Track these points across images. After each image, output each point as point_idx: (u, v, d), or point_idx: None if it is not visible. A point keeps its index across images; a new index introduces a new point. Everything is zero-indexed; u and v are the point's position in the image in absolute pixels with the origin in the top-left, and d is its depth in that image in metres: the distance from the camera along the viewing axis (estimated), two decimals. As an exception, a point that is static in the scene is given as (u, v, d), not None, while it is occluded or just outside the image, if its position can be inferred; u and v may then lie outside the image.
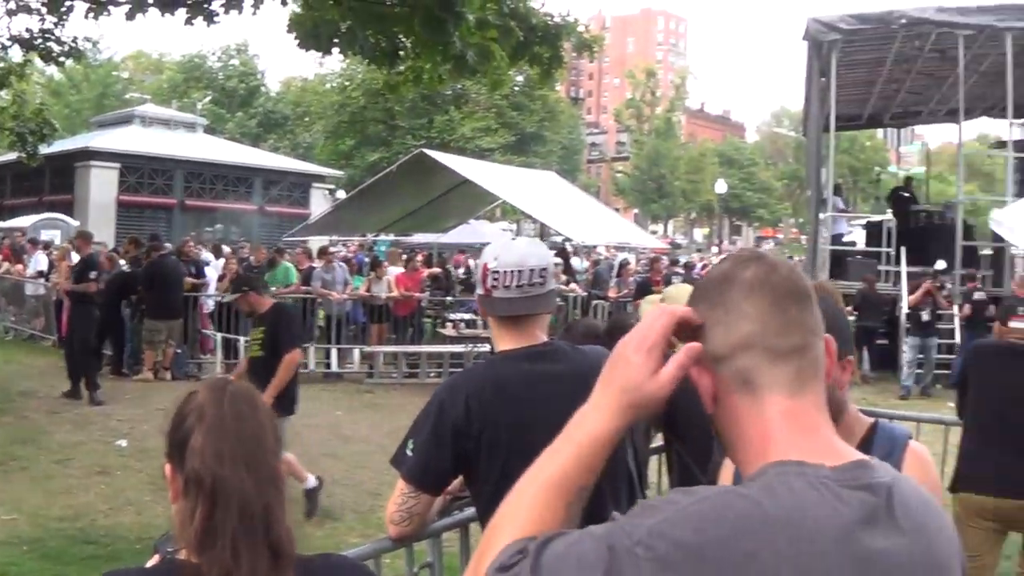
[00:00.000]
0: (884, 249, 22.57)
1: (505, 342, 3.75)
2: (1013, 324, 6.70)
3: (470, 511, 4.25)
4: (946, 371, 18.56)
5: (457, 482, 3.97)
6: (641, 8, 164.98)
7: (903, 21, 21.76)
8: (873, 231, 24.90)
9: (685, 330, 1.66)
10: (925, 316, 18.44)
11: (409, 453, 3.65)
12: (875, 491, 1.52)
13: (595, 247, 33.33)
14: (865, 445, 2.76)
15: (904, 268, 21.34)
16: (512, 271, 3.64)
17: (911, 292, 18.93)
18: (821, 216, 23.84)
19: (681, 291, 5.81)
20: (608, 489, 3.44)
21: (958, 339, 19.54)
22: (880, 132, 76.21)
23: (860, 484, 1.51)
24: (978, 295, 18.85)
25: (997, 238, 20.36)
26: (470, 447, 3.60)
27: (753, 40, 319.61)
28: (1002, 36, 21.58)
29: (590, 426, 1.64)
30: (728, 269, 1.70)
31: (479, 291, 3.78)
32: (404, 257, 24.63)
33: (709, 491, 1.50)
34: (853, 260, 23.00)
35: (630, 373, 1.62)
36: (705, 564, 1.39)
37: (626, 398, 1.62)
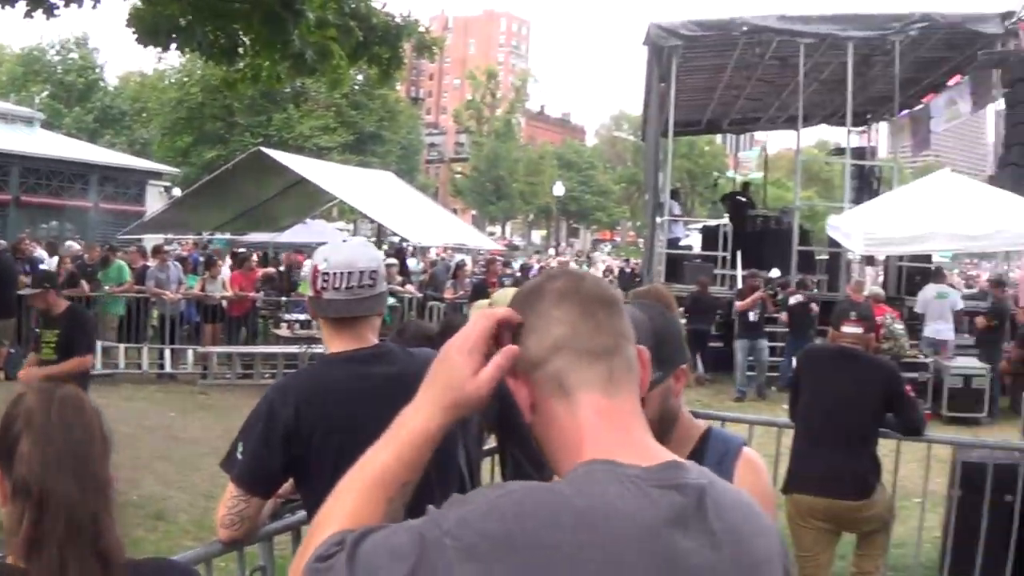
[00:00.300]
0: (720, 253, 22.96)
1: (336, 344, 3.79)
2: (845, 329, 6.90)
3: (301, 514, 4.23)
4: (776, 373, 18.92)
5: (288, 484, 3.93)
6: (484, 9, 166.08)
7: (745, 29, 22.11)
8: (709, 235, 25.40)
9: (505, 333, 1.71)
10: (752, 317, 18.57)
11: (239, 456, 3.63)
12: (685, 492, 1.55)
13: (432, 248, 33.33)
14: (698, 451, 2.76)
15: (740, 272, 21.66)
16: (342, 273, 3.68)
17: (744, 294, 19.08)
18: (658, 220, 24.17)
19: (508, 295, 5.75)
20: (439, 492, 3.31)
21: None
22: (719, 137, 77.76)
23: (670, 484, 1.55)
24: (794, 299, 19.08)
25: (833, 243, 20.74)
26: (300, 450, 3.60)
27: (595, 44, 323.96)
28: (843, 45, 22.10)
29: (412, 424, 1.70)
30: (539, 282, 1.78)
31: (309, 292, 3.83)
32: (238, 256, 24.33)
33: (518, 485, 1.55)
34: (689, 263, 23.31)
35: (452, 373, 1.68)
36: (510, 554, 1.42)
37: (447, 397, 1.69)
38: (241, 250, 27.91)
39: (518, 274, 30.35)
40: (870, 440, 6.65)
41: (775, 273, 20.36)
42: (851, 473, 6.47)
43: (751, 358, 18.85)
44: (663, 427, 2.56)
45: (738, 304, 18.91)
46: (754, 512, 1.69)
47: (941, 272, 22.33)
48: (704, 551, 1.52)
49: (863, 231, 16.52)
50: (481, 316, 1.72)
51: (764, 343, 18.86)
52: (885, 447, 6.96)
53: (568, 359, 1.66)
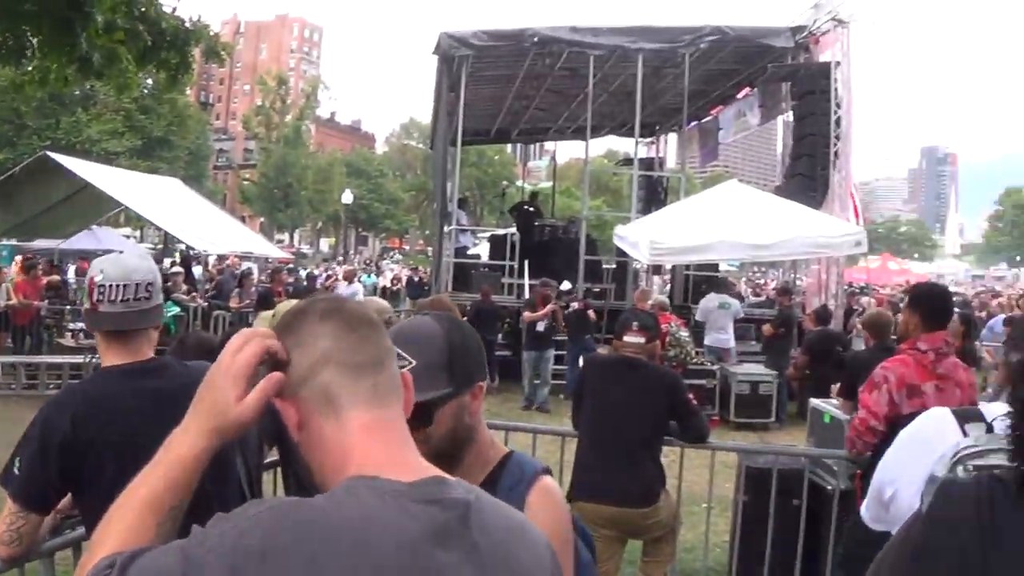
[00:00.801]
0: (508, 262, 22.94)
1: (111, 357, 3.71)
2: (627, 338, 6.94)
3: (81, 530, 4.10)
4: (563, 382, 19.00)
5: (67, 500, 3.83)
6: (276, 14, 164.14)
7: (535, 39, 22.16)
8: (497, 244, 25.38)
9: (271, 359, 1.74)
10: (540, 327, 18.56)
11: (16, 472, 3.51)
12: (448, 507, 1.60)
13: (214, 256, 32.73)
14: (494, 476, 2.65)
15: (527, 281, 21.75)
16: (118, 285, 3.63)
17: (535, 305, 19.01)
18: (446, 229, 24.16)
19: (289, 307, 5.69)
20: (217, 506, 3.19)
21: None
22: (510, 146, 78.27)
23: (432, 499, 1.60)
24: (575, 305, 19.22)
25: (621, 253, 20.97)
26: (76, 464, 3.49)
27: (387, 52, 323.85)
28: (633, 57, 22.35)
29: (179, 448, 1.72)
30: (303, 305, 1.82)
31: (86, 305, 3.74)
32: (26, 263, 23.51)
33: (279, 500, 1.57)
34: (477, 272, 23.27)
35: (217, 398, 1.71)
36: (269, 568, 1.44)
37: (212, 423, 1.71)
38: (30, 257, 26.91)
39: (304, 283, 30.02)
40: (653, 448, 6.70)
41: (566, 285, 20.46)
42: (635, 481, 6.51)
43: (538, 368, 18.79)
44: (455, 446, 2.50)
45: (526, 315, 18.80)
46: (523, 529, 1.76)
47: (724, 282, 22.86)
48: (465, 566, 1.56)
49: (649, 241, 16.77)
50: (246, 340, 1.74)
51: (551, 353, 18.81)
52: (671, 454, 7.05)
53: (334, 372, 1.71)
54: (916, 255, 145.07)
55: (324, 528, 1.49)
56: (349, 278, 31.19)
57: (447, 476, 1.69)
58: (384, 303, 7.57)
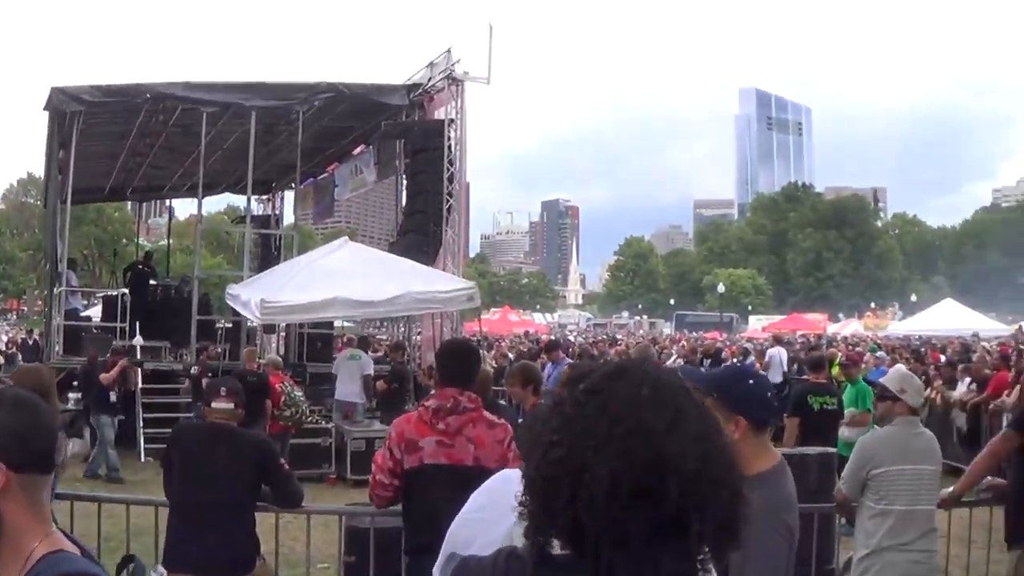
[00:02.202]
0: (119, 324, 22.23)
1: None
2: (215, 405, 6.86)
3: None
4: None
5: None
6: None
7: (148, 96, 21.68)
8: (109, 306, 24.67)
9: None
10: (113, 396, 17.74)
11: None
12: None
13: None
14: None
15: (140, 342, 21.19)
16: None
17: (108, 367, 18.13)
18: (56, 290, 23.20)
19: None
20: None
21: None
22: (129, 204, 76.36)
23: None
24: (194, 369, 18.88)
25: (236, 311, 20.69)
26: None
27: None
28: (247, 114, 22.17)
29: None
30: None
31: None
32: None
33: None
34: (88, 335, 22.55)
35: None
36: None
37: None
38: None
39: None
40: (246, 514, 6.64)
41: (137, 340, 19.91)
42: (227, 549, 6.42)
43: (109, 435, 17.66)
44: None
45: (104, 376, 17.70)
46: None
47: (364, 339, 22.96)
48: None
49: (260, 300, 16.61)
50: None
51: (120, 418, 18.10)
52: (267, 520, 6.99)
53: None
54: (538, 306, 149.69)
55: None
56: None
57: None
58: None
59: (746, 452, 3.72)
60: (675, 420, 1.82)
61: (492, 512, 3.05)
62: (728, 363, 27.23)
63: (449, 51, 22.89)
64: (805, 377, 15.41)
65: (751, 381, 4.41)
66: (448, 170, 22.31)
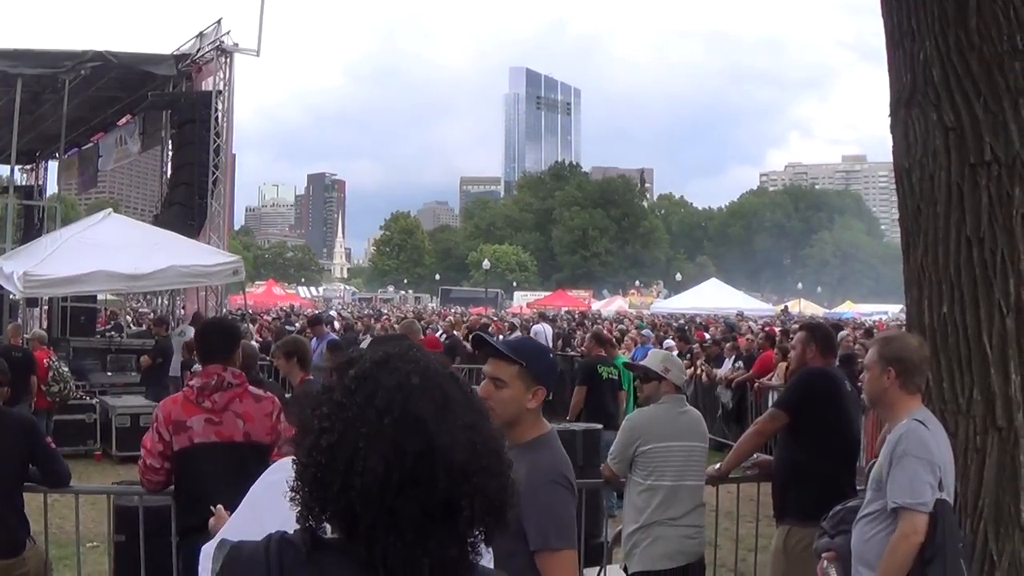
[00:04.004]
0: None
1: None
2: None
3: None
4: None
5: None
6: None
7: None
8: None
9: None
10: None
11: None
12: None
13: None
14: None
15: None
16: None
17: None
18: None
19: None
20: None
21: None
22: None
23: None
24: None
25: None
26: None
27: None
28: (12, 81, 21.30)
29: None
30: None
31: None
32: None
33: None
34: None
35: None
36: None
37: None
38: None
39: None
40: (14, 496, 6.41)
41: None
42: None
43: None
44: None
45: None
46: None
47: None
48: None
49: (23, 272, 16.11)
50: None
51: None
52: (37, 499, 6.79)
53: None
54: (303, 280, 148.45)
55: None
56: None
57: None
58: None
59: (532, 419, 4.01)
60: (444, 409, 1.88)
61: (270, 499, 3.04)
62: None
63: (219, 22, 22.61)
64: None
65: (551, 355, 4.76)
66: (215, 142, 22.02)
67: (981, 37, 5.13)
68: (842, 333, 19.87)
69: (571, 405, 13.34)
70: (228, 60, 22.58)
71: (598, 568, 7.52)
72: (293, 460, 1.94)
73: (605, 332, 17.80)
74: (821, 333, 7.77)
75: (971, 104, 5.15)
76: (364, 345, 16.06)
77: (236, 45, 22.46)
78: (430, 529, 1.83)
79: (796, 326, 18.89)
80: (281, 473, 3.11)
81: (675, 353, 16.83)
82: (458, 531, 1.87)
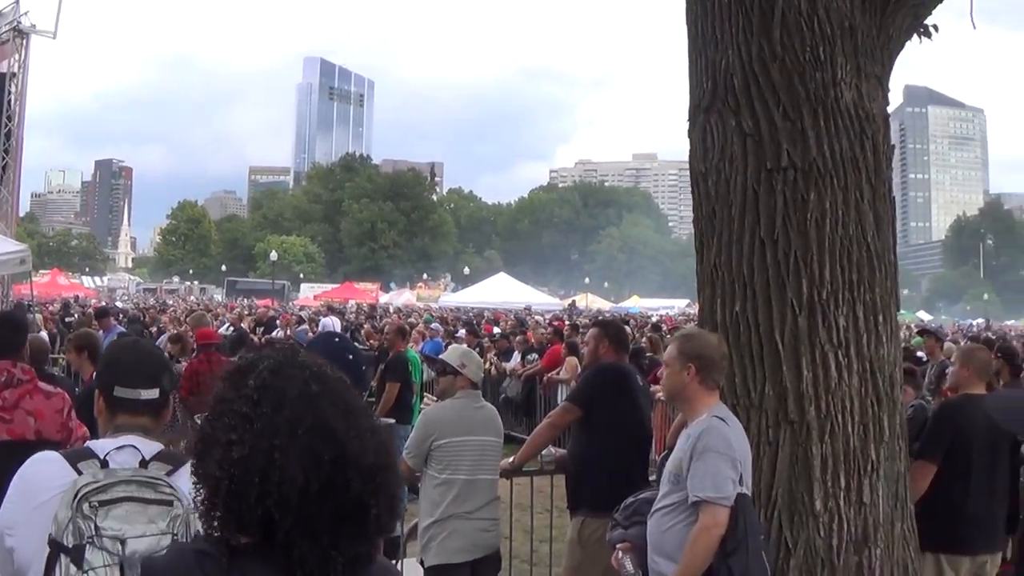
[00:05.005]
0: None
1: None
2: None
3: None
4: None
5: None
6: None
7: None
8: None
9: None
10: None
11: None
12: None
13: None
14: None
15: None
16: None
17: None
18: None
19: None
20: None
21: None
22: None
23: None
24: None
25: None
26: None
27: None
28: None
29: None
30: None
31: None
32: None
33: None
34: None
35: None
36: None
37: None
38: None
39: None
40: None
41: None
42: None
43: None
44: None
45: None
46: None
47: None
48: None
49: None
50: None
51: None
52: None
53: None
54: (88, 269, 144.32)
55: None
56: None
57: None
58: None
59: None
60: (348, 415, 1.98)
61: (27, 498, 3.01)
62: (279, 332, 27.39)
63: (17, 2, 21.77)
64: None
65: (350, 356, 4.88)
66: (6, 126, 21.26)
67: (784, 48, 5.35)
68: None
69: (383, 401, 13.21)
70: (24, 42, 21.81)
71: (394, 562, 7.53)
72: (195, 473, 1.97)
73: (403, 325, 17.75)
74: (614, 329, 7.93)
75: (770, 112, 5.36)
76: (162, 344, 15.77)
77: (33, 26, 21.75)
78: (342, 530, 1.92)
79: (588, 322, 19.17)
80: (31, 468, 3.13)
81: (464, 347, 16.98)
82: (367, 529, 1.96)
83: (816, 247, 5.29)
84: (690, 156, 5.92)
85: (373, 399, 13.34)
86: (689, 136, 5.90)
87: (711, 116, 5.62)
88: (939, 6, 6.11)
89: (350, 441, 1.93)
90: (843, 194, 5.36)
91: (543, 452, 7.62)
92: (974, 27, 6.91)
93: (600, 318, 16.10)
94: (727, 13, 5.52)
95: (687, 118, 5.92)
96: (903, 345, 17.61)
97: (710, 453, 4.75)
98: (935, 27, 6.46)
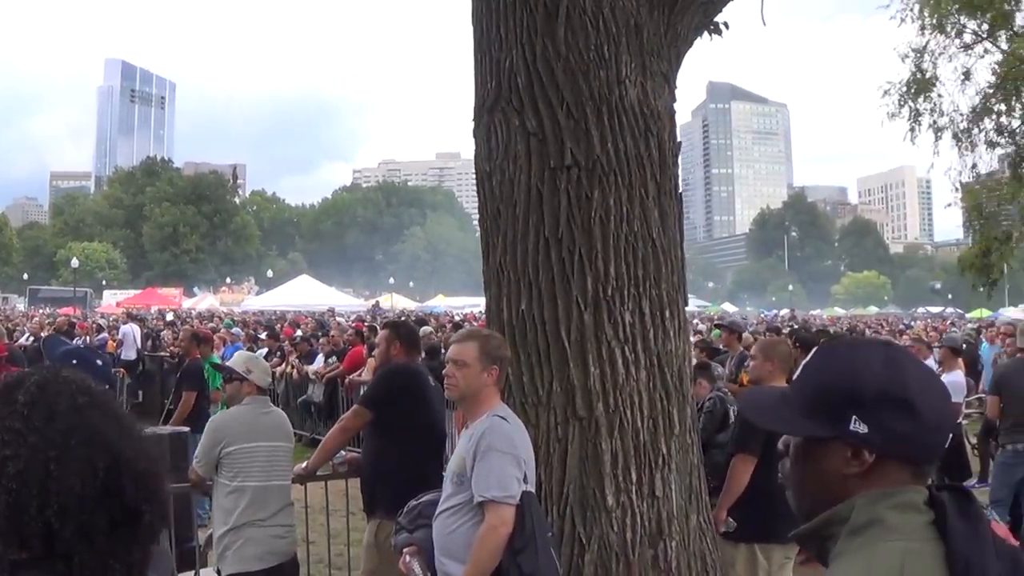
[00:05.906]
0: None
1: None
2: None
3: None
4: None
5: None
6: None
7: None
8: None
9: None
10: None
11: None
12: None
13: None
14: None
15: None
16: None
17: None
18: None
19: None
20: None
21: None
22: None
23: None
24: None
25: None
26: None
27: None
28: None
29: None
30: None
31: None
32: None
33: None
34: None
35: None
36: None
37: None
38: None
39: None
40: None
41: None
42: None
43: None
44: None
45: None
46: None
47: None
48: None
49: None
50: None
51: None
52: None
53: None
54: None
55: None
56: None
57: None
58: None
59: None
60: (118, 423, 2.01)
61: None
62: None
63: None
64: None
65: None
66: None
67: (568, 46, 5.40)
68: (425, 328, 20.18)
69: (178, 410, 12.89)
70: None
71: (192, 572, 7.41)
72: None
73: (203, 330, 17.42)
74: (405, 330, 7.94)
75: (554, 111, 5.41)
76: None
77: None
78: (118, 536, 1.91)
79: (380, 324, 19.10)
80: None
81: (266, 351, 16.65)
82: (140, 535, 1.96)
83: (600, 244, 5.35)
84: (475, 156, 5.95)
85: (172, 407, 13.07)
86: (474, 136, 5.93)
87: (495, 116, 5.65)
88: (730, 3, 6.25)
89: (123, 449, 1.95)
90: (628, 191, 5.44)
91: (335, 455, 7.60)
92: (764, 23, 7.11)
93: (391, 319, 16.06)
94: (511, 12, 5.55)
95: (472, 118, 5.93)
96: (703, 338, 18.11)
97: (493, 452, 4.76)
98: (726, 24, 6.61)
